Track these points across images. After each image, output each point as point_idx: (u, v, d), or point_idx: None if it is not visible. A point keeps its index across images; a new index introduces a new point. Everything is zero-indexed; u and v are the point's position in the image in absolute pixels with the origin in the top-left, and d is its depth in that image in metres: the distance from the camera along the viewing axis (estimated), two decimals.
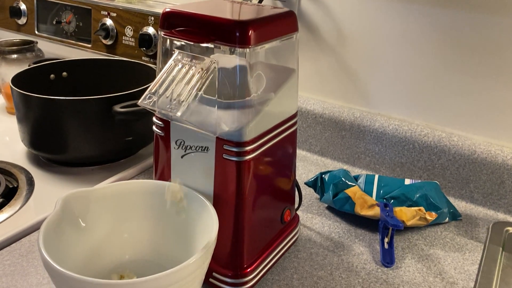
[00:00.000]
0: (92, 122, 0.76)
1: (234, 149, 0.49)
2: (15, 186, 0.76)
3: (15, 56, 0.97)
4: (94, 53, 1.10)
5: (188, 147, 0.52)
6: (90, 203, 0.51)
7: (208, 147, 0.50)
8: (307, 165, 0.86)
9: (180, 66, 0.47)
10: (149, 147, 0.87)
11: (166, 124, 0.53)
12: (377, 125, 0.81)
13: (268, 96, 0.51)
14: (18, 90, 0.77)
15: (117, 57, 1.06)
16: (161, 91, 0.46)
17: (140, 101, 0.46)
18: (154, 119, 0.54)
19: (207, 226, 0.49)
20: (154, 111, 0.48)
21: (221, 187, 0.51)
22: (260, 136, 0.50)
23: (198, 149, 0.51)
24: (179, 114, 0.43)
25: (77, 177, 0.78)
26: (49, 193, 0.74)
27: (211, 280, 0.54)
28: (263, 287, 0.56)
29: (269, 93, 0.51)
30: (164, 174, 0.56)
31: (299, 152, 0.90)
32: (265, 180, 0.54)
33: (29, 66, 0.91)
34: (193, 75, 0.46)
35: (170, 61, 0.48)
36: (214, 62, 0.46)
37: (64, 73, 0.94)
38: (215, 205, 0.51)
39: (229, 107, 0.49)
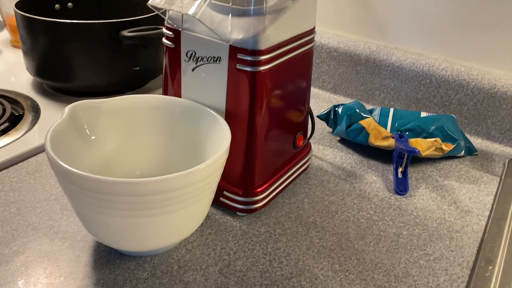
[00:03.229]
0: (99, 49, 0.74)
1: (249, 58, 0.46)
2: (21, 113, 0.74)
3: None
4: None
5: (200, 58, 0.49)
6: (99, 115, 0.50)
7: (220, 57, 0.48)
8: (319, 102, 0.83)
9: None
10: (156, 80, 0.85)
11: (177, 34, 0.50)
12: (393, 59, 0.78)
13: (286, 3, 0.48)
14: (22, 13, 0.74)
15: None
16: None
17: (150, 0, 0.43)
18: (164, 29, 0.51)
19: (219, 141, 0.48)
20: (164, 12, 0.46)
21: (233, 102, 0.49)
22: (276, 47, 0.48)
23: (210, 60, 0.49)
24: (191, 12, 0.41)
25: None
26: (55, 120, 0.72)
27: (221, 199, 0.53)
28: (273, 209, 0.55)
29: (286, 0, 0.48)
30: (174, 89, 0.53)
31: (311, 90, 0.88)
32: (280, 97, 0.52)
33: None
34: None
35: None
36: None
37: (70, 4, 0.91)
38: (227, 121, 0.49)
39: (244, 14, 0.46)
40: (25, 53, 0.78)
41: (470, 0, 0.71)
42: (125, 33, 0.71)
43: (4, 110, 0.73)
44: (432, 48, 0.76)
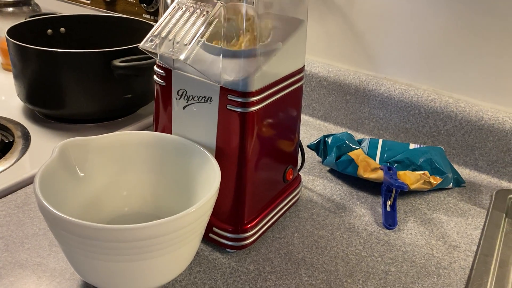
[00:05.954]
0: (90, 77, 0.74)
1: (239, 100, 0.47)
2: (11, 140, 0.74)
3: (11, 9, 0.94)
4: (93, 9, 1.07)
5: (191, 97, 0.50)
6: (88, 152, 0.50)
7: (211, 97, 0.48)
8: (310, 130, 0.84)
9: (184, 9, 0.45)
10: (148, 106, 0.85)
11: (168, 73, 0.51)
12: (383, 89, 0.79)
13: (276, 45, 0.48)
14: (14, 41, 0.74)
15: (116, 14, 1.03)
16: (163, 34, 0.44)
17: (142, 44, 0.44)
18: (155, 67, 0.52)
19: (209, 179, 0.48)
20: (156, 54, 0.46)
21: (224, 140, 0.50)
22: (266, 88, 0.48)
23: (201, 99, 0.49)
24: (182, 57, 0.41)
25: (74, 133, 0.77)
26: (46, 148, 0.72)
27: (211, 235, 0.53)
28: (263, 244, 0.55)
29: (277, 42, 0.49)
30: (165, 126, 0.54)
31: (302, 117, 0.88)
32: (269, 135, 0.52)
33: (25, 19, 0.88)
34: (197, 18, 0.43)
35: (174, 4, 0.45)
36: (221, 5, 0.43)
37: (62, 29, 0.91)
38: (217, 158, 0.49)
39: (235, 56, 0.47)
40: (16, 79, 0.78)
41: (458, 34, 0.72)
42: (117, 62, 0.71)
43: None
44: (420, 79, 0.78)
